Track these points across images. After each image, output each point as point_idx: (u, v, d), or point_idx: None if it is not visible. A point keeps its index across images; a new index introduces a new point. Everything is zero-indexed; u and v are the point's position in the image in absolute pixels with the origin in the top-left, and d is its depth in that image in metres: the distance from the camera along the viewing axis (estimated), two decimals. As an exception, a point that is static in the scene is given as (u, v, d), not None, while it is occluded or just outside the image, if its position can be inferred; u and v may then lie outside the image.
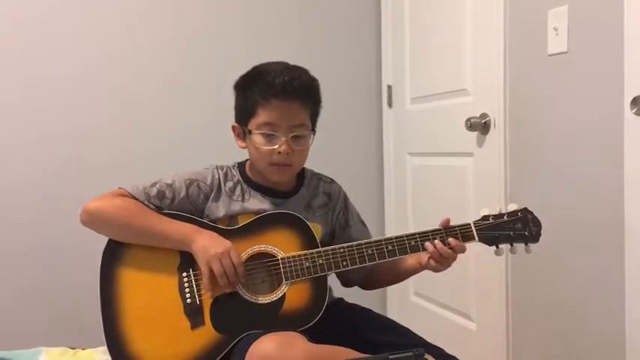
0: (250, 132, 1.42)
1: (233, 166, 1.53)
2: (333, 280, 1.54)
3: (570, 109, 1.80)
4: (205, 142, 2.39)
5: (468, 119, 2.12)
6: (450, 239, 1.38)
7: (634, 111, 1.55)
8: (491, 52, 2.07)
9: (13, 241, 2.28)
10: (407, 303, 2.67)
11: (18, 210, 2.29)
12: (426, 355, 1.24)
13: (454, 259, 1.40)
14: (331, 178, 1.58)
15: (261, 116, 1.40)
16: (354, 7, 2.75)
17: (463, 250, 1.39)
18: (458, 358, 1.40)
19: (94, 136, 2.37)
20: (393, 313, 2.70)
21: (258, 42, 2.55)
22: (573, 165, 1.80)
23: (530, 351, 2.02)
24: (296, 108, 1.42)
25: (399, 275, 1.53)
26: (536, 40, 1.89)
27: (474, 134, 2.17)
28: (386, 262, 1.53)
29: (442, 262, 1.39)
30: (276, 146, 1.40)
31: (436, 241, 1.38)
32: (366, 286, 1.58)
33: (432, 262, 1.40)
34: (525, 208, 1.41)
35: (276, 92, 1.39)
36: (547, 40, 1.85)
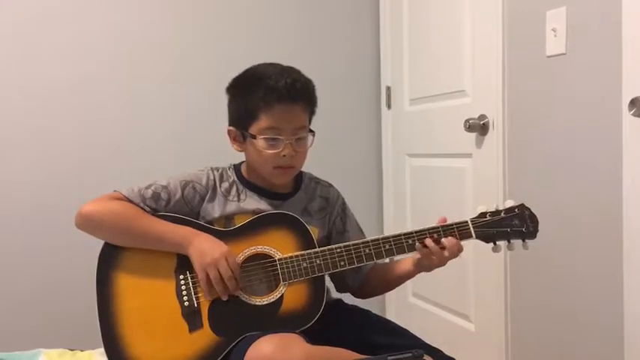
0: (254, 137, 1.41)
1: (229, 168, 1.52)
2: (331, 282, 1.54)
3: (569, 111, 1.81)
4: (205, 142, 2.39)
5: (467, 120, 2.13)
6: (444, 240, 1.37)
7: (632, 112, 1.55)
8: (490, 54, 2.07)
9: (13, 242, 2.29)
10: (405, 304, 2.67)
11: (17, 210, 2.29)
12: (425, 357, 1.24)
13: (451, 257, 1.39)
14: (329, 183, 1.58)
15: (264, 121, 1.39)
16: (352, 9, 2.75)
17: (459, 249, 1.39)
18: (456, 359, 1.39)
19: (93, 137, 2.38)
20: (392, 314, 2.70)
21: (256, 43, 2.55)
22: (572, 166, 1.81)
23: (529, 352, 2.02)
24: (298, 111, 1.42)
25: (395, 280, 1.53)
26: (534, 41, 1.89)
27: (473, 135, 2.17)
28: (382, 267, 1.53)
29: (434, 261, 1.38)
30: (280, 150, 1.40)
31: (427, 240, 1.37)
32: (362, 293, 1.56)
33: (425, 261, 1.39)
34: (522, 205, 1.41)
35: (280, 96, 1.38)
36: (545, 42, 1.85)
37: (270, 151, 1.40)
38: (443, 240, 1.37)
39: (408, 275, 1.49)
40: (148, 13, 2.45)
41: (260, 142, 1.40)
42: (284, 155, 1.40)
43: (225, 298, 1.34)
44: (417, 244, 1.37)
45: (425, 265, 1.42)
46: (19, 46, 2.28)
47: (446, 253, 1.37)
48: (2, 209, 2.28)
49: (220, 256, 1.32)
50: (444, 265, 1.40)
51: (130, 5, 2.42)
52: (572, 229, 1.81)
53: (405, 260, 1.48)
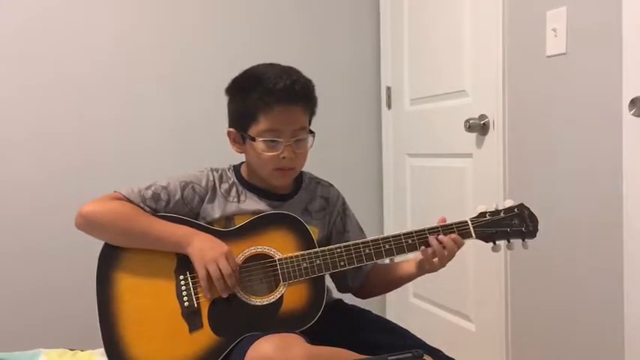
0: (254, 139, 1.40)
1: (228, 169, 1.52)
2: (331, 282, 1.54)
3: (569, 111, 1.81)
4: (205, 142, 2.39)
5: (467, 120, 2.13)
6: (442, 237, 1.37)
7: (632, 112, 1.55)
8: (490, 54, 2.07)
9: (13, 242, 2.29)
10: (406, 304, 2.66)
11: (17, 210, 2.29)
12: (425, 357, 1.24)
13: (451, 257, 1.39)
14: (329, 183, 1.58)
15: (263, 123, 1.39)
16: (353, 9, 2.75)
17: (458, 244, 1.38)
18: (456, 359, 1.39)
19: (93, 137, 2.38)
20: (392, 315, 2.70)
21: (257, 43, 2.55)
22: (572, 166, 1.80)
23: (530, 352, 2.02)
24: (298, 112, 1.41)
25: (396, 281, 1.53)
26: (534, 41, 1.89)
27: (473, 135, 2.17)
28: (383, 268, 1.53)
29: (439, 261, 1.38)
30: (280, 152, 1.39)
31: (430, 238, 1.37)
32: (363, 293, 1.56)
33: (426, 264, 1.40)
34: (522, 204, 1.41)
35: (279, 98, 1.37)
36: (546, 42, 1.85)
37: (269, 154, 1.39)
38: (441, 237, 1.37)
39: (410, 277, 1.49)
40: (149, 14, 2.45)
41: (259, 145, 1.40)
42: (283, 157, 1.39)
43: (225, 296, 1.33)
44: (422, 247, 1.37)
45: (427, 268, 1.41)
46: (19, 46, 2.28)
47: (445, 252, 1.37)
48: (2, 209, 2.28)
49: (220, 254, 1.32)
50: (444, 265, 1.40)
51: (131, 5, 2.42)
52: (572, 229, 1.81)
53: (408, 262, 1.48)
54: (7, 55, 2.27)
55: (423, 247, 1.38)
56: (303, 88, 1.41)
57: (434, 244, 1.37)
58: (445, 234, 1.38)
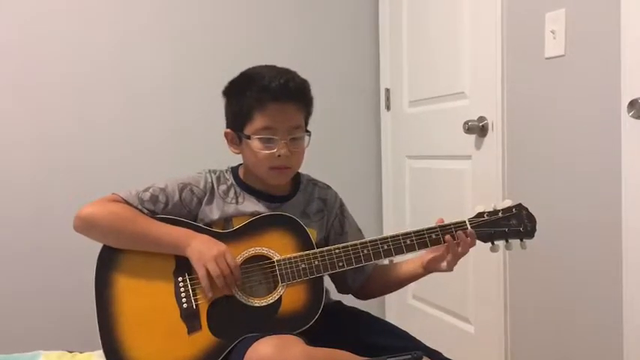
0: (249, 137, 1.41)
1: (226, 170, 1.52)
2: (330, 283, 1.54)
3: (568, 112, 1.81)
4: (205, 144, 2.38)
5: (466, 122, 2.13)
6: (460, 232, 1.38)
7: (631, 114, 1.55)
8: (489, 55, 2.07)
9: (12, 243, 2.29)
10: (405, 306, 2.66)
11: (16, 212, 2.29)
12: (424, 358, 1.24)
13: (463, 253, 1.40)
14: (327, 185, 1.58)
15: (259, 121, 1.40)
16: (352, 11, 2.75)
17: (473, 241, 1.39)
18: (455, 361, 1.40)
19: (93, 137, 2.39)
20: (392, 316, 2.70)
21: (257, 43, 2.56)
22: (571, 168, 1.81)
23: (529, 353, 2.02)
24: (292, 110, 1.42)
25: (399, 282, 1.53)
26: (533, 43, 1.89)
27: (472, 137, 2.17)
28: (386, 269, 1.53)
29: (454, 258, 1.39)
30: (275, 150, 1.40)
31: (448, 236, 1.38)
32: (363, 294, 1.56)
33: (444, 264, 1.40)
34: (520, 204, 1.41)
35: (274, 96, 1.39)
36: (544, 43, 1.85)
37: (265, 152, 1.40)
38: (459, 233, 1.38)
39: (414, 277, 1.49)
40: (148, 14, 2.45)
41: (255, 143, 1.41)
42: (279, 155, 1.40)
43: (227, 293, 1.33)
44: (447, 236, 1.38)
45: (436, 267, 1.42)
46: (19, 46, 2.28)
47: (459, 249, 1.38)
48: (2, 209, 2.28)
49: (219, 253, 1.32)
50: (454, 266, 1.41)
51: (131, 6, 2.42)
52: (571, 230, 1.81)
53: (412, 261, 1.48)
54: (7, 55, 2.27)
55: (448, 237, 1.38)
56: (298, 87, 1.42)
57: (449, 240, 1.37)
58: (444, 234, 1.38)
